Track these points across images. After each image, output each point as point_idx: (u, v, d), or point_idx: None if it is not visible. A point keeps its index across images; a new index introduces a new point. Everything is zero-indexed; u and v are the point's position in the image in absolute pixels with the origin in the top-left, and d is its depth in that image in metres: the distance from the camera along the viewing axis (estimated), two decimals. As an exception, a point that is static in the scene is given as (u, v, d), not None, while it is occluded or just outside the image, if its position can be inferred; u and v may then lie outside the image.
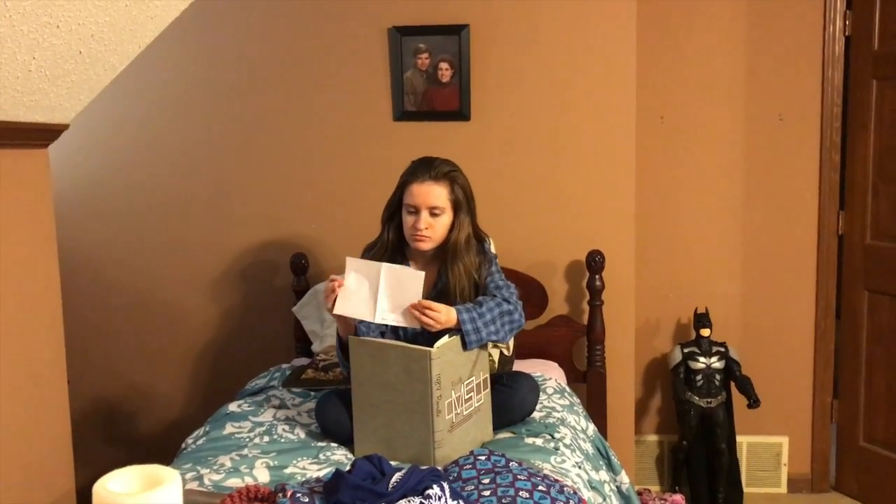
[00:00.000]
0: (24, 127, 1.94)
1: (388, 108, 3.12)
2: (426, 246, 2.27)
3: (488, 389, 2.18)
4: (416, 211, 2.25)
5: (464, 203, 2.28)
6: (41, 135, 2.04)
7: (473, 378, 2.10)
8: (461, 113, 3.08)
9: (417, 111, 3.10)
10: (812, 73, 3.28)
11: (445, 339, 2.02)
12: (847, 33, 3.26)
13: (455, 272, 2.25)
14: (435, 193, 2.24)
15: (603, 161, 3.08)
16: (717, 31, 3.30)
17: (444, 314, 2.08)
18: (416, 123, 3.11)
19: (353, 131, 3.15)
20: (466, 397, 2.08)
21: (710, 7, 3.29)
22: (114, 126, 3.24)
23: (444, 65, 3.06)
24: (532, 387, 2.32)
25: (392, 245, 2.34)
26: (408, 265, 2.33)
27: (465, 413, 2.07)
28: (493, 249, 2.42)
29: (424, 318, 2.05)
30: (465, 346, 2.08)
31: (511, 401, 2.27)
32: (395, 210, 2.32)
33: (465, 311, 2.12)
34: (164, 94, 3.22)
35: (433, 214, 2.25)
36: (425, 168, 2.26)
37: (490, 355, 2.40)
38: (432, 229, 2.25)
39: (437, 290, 2.30)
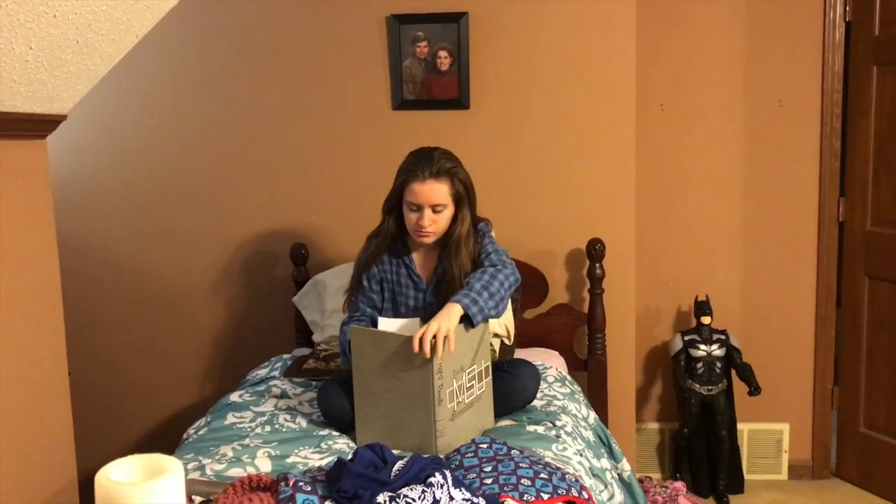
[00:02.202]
0: (22, 118, 1.93)
1: (386, 96, 3.11)
2: (430, 240, 2.28)
3: (490, 378, 2.18)
4: (418, 209, 2.24)
5: (464, 196, 2.27)
6: (39, 125, 2.03)
7: (475, 366, 2.10)
8: (460, 101, 3.07)
9: (416, 100, 3.09)
10: (812, 59, 3.27)
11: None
12: (847, 19, 3.24)
13: (458, 263, 2.25)
14: (436, 191, 2.22)
15: (603, 149, 3.08)
16: (717, 18, 3.29)
17: (446, 317, 2.00)
18: (415, 112, 3.10)
19: (352, 120, 3.14)
20: (468, 386, 2.08)
21: (709, -7, 3.29)
22: (112, 116, 3.23)
23: (442, 53, 3.04)
24: (533, 374, 2.32)
25: (393, 235, 2.34)
26: (409, 256, 2.34)
27: (466, 401, 2.07)
28: (490, 231, 2.39)
29: (439, 343, 1.96)
30: (472, 324, 2.06)
31: (512, 388, 2.27)
32: (396, 204, 2.31)
33: (462, 297, 2.07)
34: (162, 85, 3.20)
35: (436, 211, 2.24)
36: (425, 164, 2.21)
37: (491, 344, 2.40)
38: (435, 224, 2.25)
39: (438, 276, 2.31)
